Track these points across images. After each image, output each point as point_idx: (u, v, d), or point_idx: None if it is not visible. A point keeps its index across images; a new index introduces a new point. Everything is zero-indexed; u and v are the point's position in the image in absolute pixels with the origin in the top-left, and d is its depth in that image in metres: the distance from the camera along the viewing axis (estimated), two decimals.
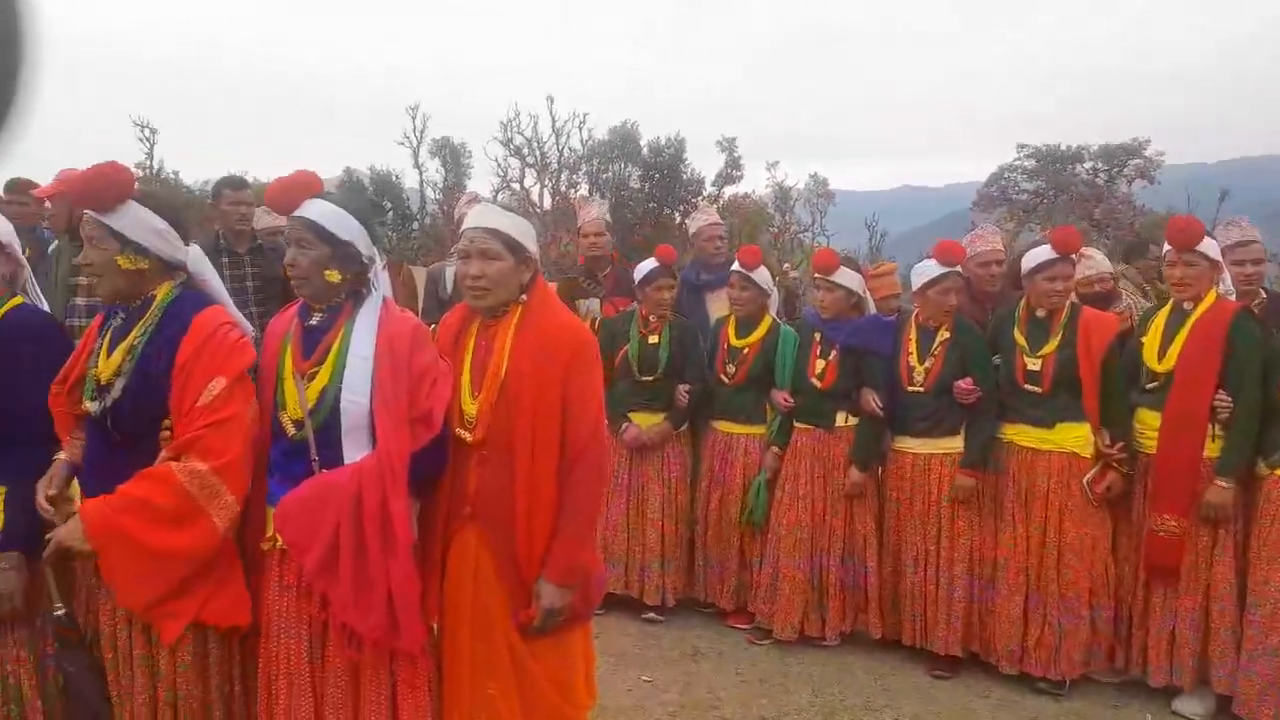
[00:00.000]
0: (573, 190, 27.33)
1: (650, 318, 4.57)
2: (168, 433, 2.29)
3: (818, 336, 4.39)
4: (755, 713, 3.76)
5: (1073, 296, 4.09)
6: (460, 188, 26.80)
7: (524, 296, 2.47)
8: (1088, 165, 25.94)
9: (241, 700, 2.38)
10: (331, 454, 2.29)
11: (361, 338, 2.32)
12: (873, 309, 4.47)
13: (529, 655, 2.41)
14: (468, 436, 2.41)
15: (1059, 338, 3.91)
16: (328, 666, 2.28)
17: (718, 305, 4.94)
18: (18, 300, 2.48)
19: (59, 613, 2.27)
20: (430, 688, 2.38)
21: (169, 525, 2.18)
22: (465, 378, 2.45)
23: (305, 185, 2.38)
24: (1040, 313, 3.98)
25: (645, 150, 26.87)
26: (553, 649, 2.45)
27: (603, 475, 2.48)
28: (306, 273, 2.33)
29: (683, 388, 4.53)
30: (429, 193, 27.33)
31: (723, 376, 4.57)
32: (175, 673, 2.27)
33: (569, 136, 26.67)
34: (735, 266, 4.56)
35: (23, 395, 2.37)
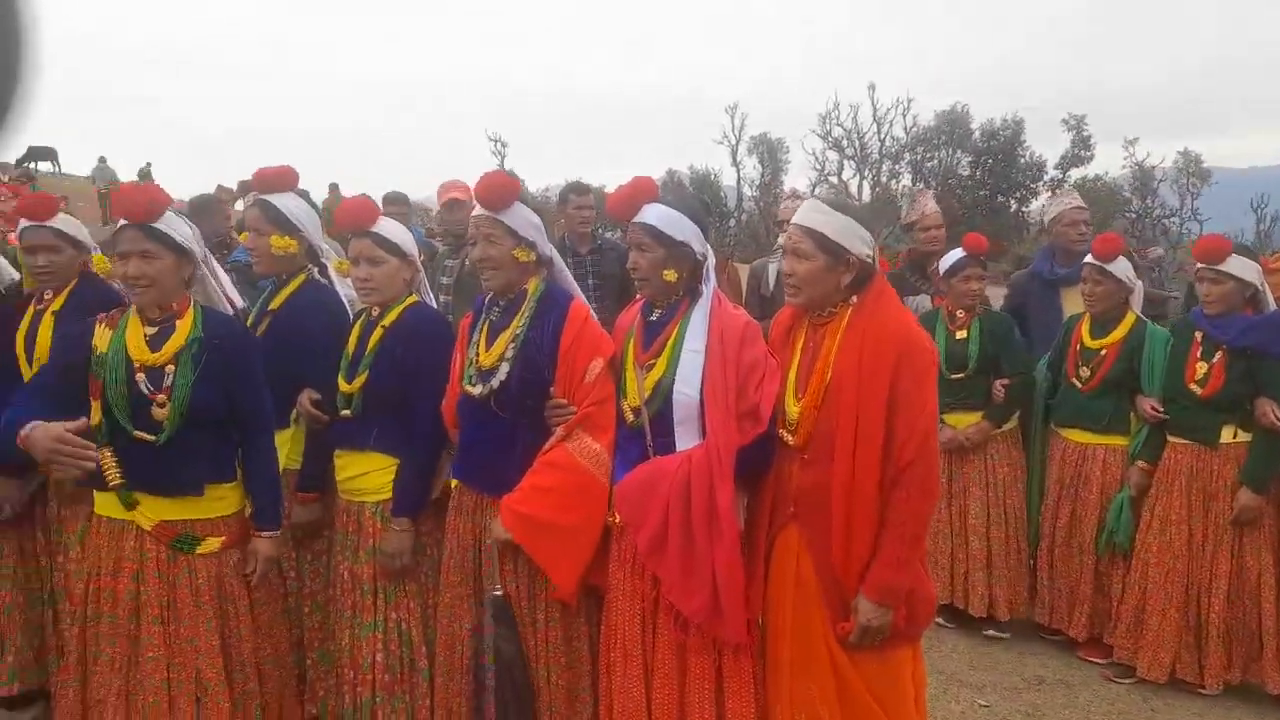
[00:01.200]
0: (894, 181, 26.38)
1: (957, 312, 4.26)
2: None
3: (1199, 336, 3.77)
4: None
5: None
6: (777, 184, 27.00)
7: (855, 298, 2.37)
8: None
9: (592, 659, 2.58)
10: (665, 441, 2.40)
11: (695, 332, 2.40)
12: (1272, 305, 3.76)
13: (851, 666, 2.32)
14: (790, 439, 2.38)
15: None
16: (658, 642, 2.39)
17: (1077, 301, 4.44)
18: (413, 299, 2.85)
19: (497, 593, 2.56)
20: (755, 679, 2.40)
21: (579, 506, 2.45)
22: (791, 378, 2.42)
23: (644, 192, 2.51)
24: None
25: (977, 134, 25.13)
26: (877, 664, 2.33)
27: (929, 493, 2.28)
28: (647, 274, 2.46)
29: (999, 382, 4.17)
30: (745, 189, 27.83)
31: (1075, 380, 4.10)
32: (547, 625, 2.54)
33: (891, 125, 25.75)
34: (1088, 259, 4.08)
35: (422, 383, 2.72)
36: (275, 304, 2.96)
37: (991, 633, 4.24)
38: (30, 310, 3.08)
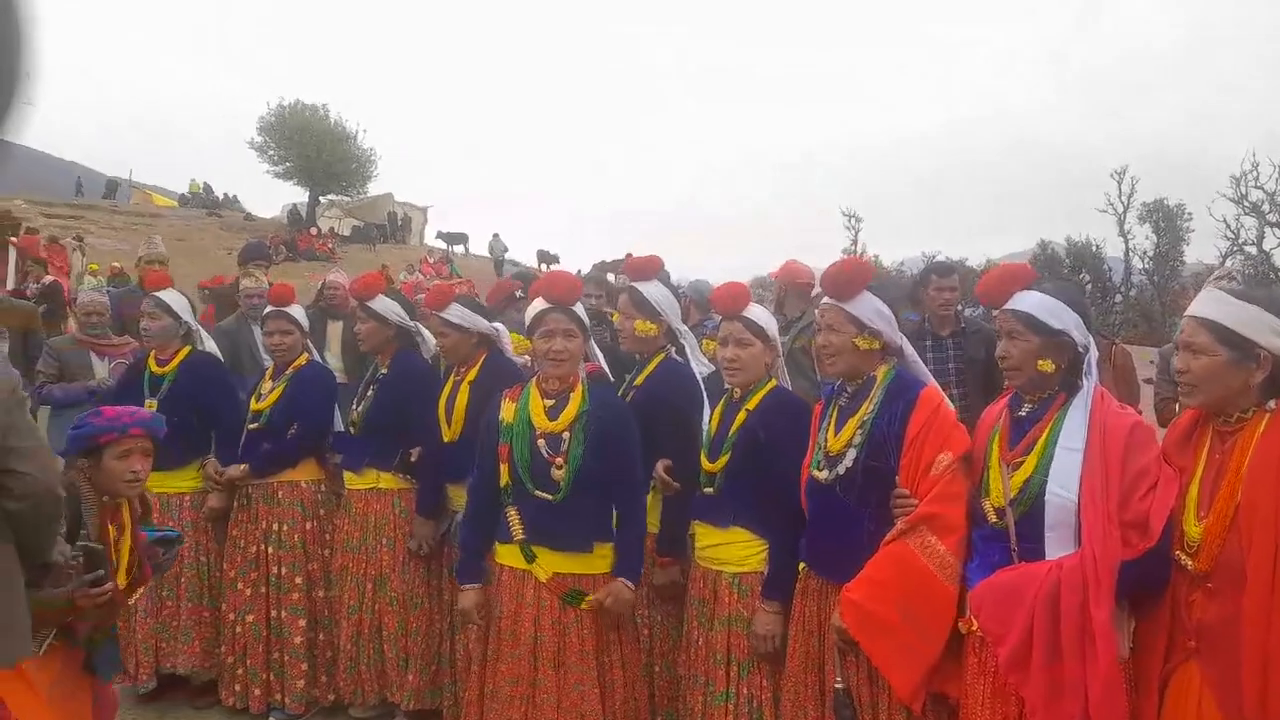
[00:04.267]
0: None
1: None
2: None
3: None
4: None
5: None
6: (1176, 255, 23.89)
7: (1273, 402, 2.05)
8: None
9: None
10: (1032, 546, 2.22)
11: (1073, 430, 2.22)
12: None
13: None
14: (1189, 564, 2.09)
15: None
16: None
17: None
18: (773, 383, 2.93)
19: (838, 685, 2.51)
20: None
21: (919, 608, 2.35)
22: (1192, 494, 2.13)
23: (1019, 277, 2.39)
24: None
25: None
26: None
27: None
28: (1019, 363, 2.32)
29: None
30: (1135, 262, 25.01)
31: None
32: None
33: None
34: None
35: (784, 465, 2.74)
36: (639, 380, 3.30)
37: None
38: (451, 380, 3.66)
